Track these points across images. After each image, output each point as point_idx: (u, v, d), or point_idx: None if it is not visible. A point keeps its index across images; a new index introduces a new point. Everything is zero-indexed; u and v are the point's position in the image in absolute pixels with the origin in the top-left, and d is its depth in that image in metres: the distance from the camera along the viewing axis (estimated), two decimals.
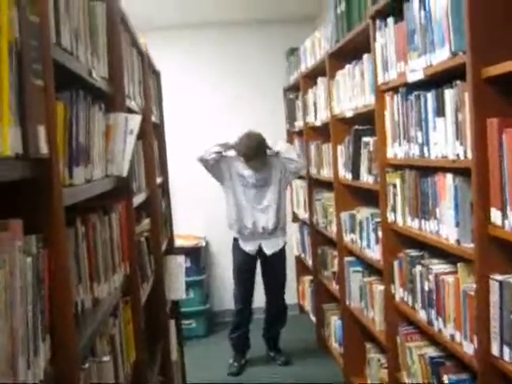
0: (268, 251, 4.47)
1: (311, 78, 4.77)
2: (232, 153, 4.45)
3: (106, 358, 1.62)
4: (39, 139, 1.06)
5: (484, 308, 1.97)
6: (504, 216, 1.82)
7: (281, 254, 4.56)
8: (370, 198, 3.43)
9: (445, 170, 2.30)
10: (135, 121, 2.14)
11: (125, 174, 2.08)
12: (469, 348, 2.15)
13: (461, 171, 2.15)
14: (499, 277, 1.90)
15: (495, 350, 1.93)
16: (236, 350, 4.63)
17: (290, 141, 5.83)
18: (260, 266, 4.60)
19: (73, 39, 1.51)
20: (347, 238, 3.89)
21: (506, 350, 1.88)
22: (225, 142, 4.39)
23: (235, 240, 4.54)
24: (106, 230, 1.86)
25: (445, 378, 2.39)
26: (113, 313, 1.89)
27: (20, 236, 0.99)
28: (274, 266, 4.54)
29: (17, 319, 0.95)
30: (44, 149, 1.09)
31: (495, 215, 1.88)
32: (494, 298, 1.92)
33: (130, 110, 2.38)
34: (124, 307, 2.07)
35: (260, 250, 4.49)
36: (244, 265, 4.51)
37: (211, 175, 4.50)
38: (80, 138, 1.55)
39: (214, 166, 4.42)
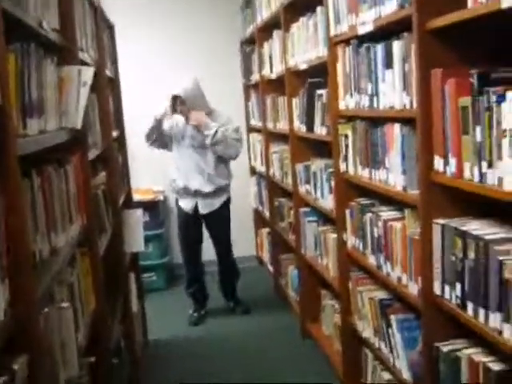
0: (203, 211, 4.48)
1: (267, 30, 4.76)
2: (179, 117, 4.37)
3: (65, 305, 1.67)
4: None
5: (427, 250, 2.09)
6: (446, 163, 1.92)
7: (219, 213, 4.53)
8: (324, 149, 3.51)
9: (393, 120, 2.39)
10: (88, 73, 2.15)
11: (79, 126, 2.09)
12: (414, 289, 2.28)
13: (408, 121, 2.23)
14: (441, 221, 2.01)
15: (437, 289, 2.06)
16: (195, 301, 4.72)
17: (247, 94, 5.85)
18: (204, 226, 4.63)
19: None
20: (302, 189, 3.98)
21: (446, 288, 2.00)
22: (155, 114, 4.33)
23: (176, 198, 4.63)
24: (61, 181, 1.89)
25: (392, 318, 2.53)
26: (70, 262, 1.94)
27: None
28: (213, 224, 4.57)
29: None
30: None
31: (438, 162, 1.97)
32: (437, 240, 2.04)
33: (83, 63, 2.37)
34: (82, 257, 2.12)
35: (196, 209, 4.49)
36: (184, 222, 4.56)
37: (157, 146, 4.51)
38: (32, 90, 1.57)
39: (163, 141, 4.44)
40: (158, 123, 4.31)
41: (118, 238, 3.27)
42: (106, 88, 3.23)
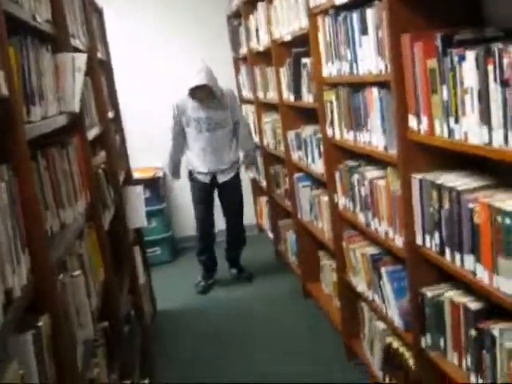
0: (220, 180, 4.70)
1: (251, 3, 4.86)
2: (182, 98, 4.53)
3: (77, 273, 1.84)
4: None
5: (408, 204, 2.24)
6: (419, 122, 2.07)
7: (234, 181, 4.77)
8: (313, 115, 3.64)
9: (372, 84, 2.52)
10: (81, 59, 2.28)
11: (77, 109, 2.24)
12: (399, 241, 2.45)
13: (385, 84, 2.37)
14: (419, 175, 2.16)
15: (419, 240, 2.22)
16: (205, 269, 4.90)
17: (237, 67, 5.96)
18: (217, 194, 4.83)
19: None
20: (295, 155, 4.13)
21: (427, 238, 2.17)
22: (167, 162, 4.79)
23: (190, 172, 4.76)
24: (64, 161, 2.04)
25: (382, 271, 2.70)
26: (79, 236, 2.10)
27: None
28: (228, 191, 4.78)
29: (0, 233, 1.15)
30: (4, 90, 1.26)
31: (412, 121, 2.12)
32: (416, 194, 2.19)
33: (76, 49, 2.51)
34: (89, 231, 2.28)
35: (214, 179, 4.69)
36: (200, 194, 4.74)
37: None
38: (33, 79, 1.71)
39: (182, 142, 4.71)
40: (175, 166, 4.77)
41: (121, 214, 3.43)
42: (99, 71, 3.35)
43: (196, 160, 4.64)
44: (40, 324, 1.32)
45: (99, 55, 3.53)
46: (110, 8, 4.46)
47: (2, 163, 1.25)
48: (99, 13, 4.10)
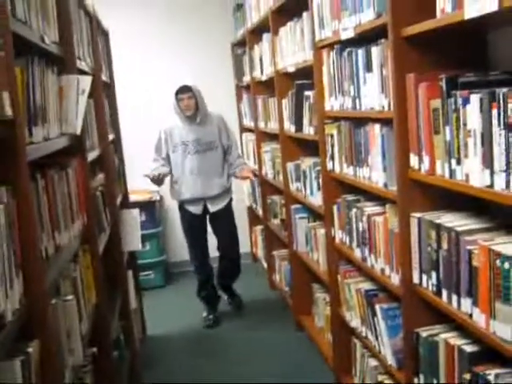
0: (212, 209, 4.57)
1: (257, 33, 4.91)
2: (171, 124, 4.49)
3: (70, 297, 1.82)
4: (4, 103, 1.23)
5: (406, 242, 2.23)
6: (420, 161, 2.07)
7: (226, 208, 4.66)
8: (313, 148, 3.65)
9: (375, 120, 2.53)
10: (86, 81, 2.29)
11: (78, 131, 2.23)
12: (395, 279, 2.43)
13: (387, 121, 2.38)
14: (418, 214, 2.16)
15: (416, 279, 2.21)
16: (208, 305, 4.74)
17: (239, 95, 5.99)
18: (209, 223, 4.70)
19: (26, 8, 1.65)
20: (293, 186, 4.13)
21: (424, 277, 2.15)
22: (156, 142, 4.53)
23: (181, 204, 4.62)
24: (63, 183, 2.03)
25: (377, 307, 2.68)
26: (73, 259, 2.08)
27: None
28: (221, 222, 4.66)
29: None
30: (9, 111, 1.26)
31: (414, 160, 2.12)
32: (414, 233, 2.19)
33: (81, 71, 2.52)
34: (84, 254, 2.26)
35: (205, 208, 4.58)
36: (193, 225, 4.61)
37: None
38: (37, 100, 1.71)
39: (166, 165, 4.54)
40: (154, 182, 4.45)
41: (116, 237, 3.41)
42: (102, 93, 3.36)
43: (184, 187, 4.49)
44: (30, 350, 1.30)
45: (103, 77, 3.55)
46: (115, 30, 4.49)
47: (1, 185, 1.24)
48: (106, 35, 4.13)
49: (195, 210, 4.56)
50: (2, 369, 1.21)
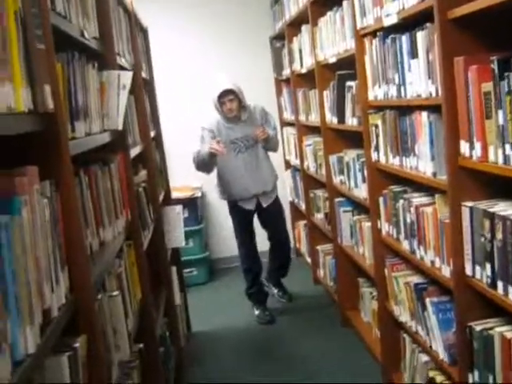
0: (265, 204, 4.54)
1: (295, 26, 4.85)
2: (214, 118, 4.40)
3: (115, 293, 1.81)
4: (46, 96, 1.21)
5: (458, 233, 2.15)
6: (471, 147, 1.98)
7: (276, 203, 4.64)
8: (356, 139, 3.57)
9: (421, 108, 2.45)
10: (127, 77, 2.28)
11: (120, 127, 2.23)
12: (446, 271, 2.35)
13: (434, 108, 2.30)
14: (470, 203, 2.08)
15: (468, 270, 2.13)
16: (258, 302, 4.68)
17: (279, 89, 5.94)
18: (258, 217, 4.66)
19: (65, 3, 1.64)
20: (336, 179, 4.06)
21: (477, 269, 2.07)
22: (201, 140, 4.33)
23: (233, 202, 4.54)
24: (106, 179, 2.02)
25: (427, 301, 2.60)
26: (118, 255, 2.07)
27: (37, 181, 1.15)
28: (273, 214, 4.61)
29: (40, 250, 1.12)
30: (50, 104, 1.24)
31: (464, 147, 2.04)
32: (466, 223, 2.10)
33: (121, 67, 2.51)
34: (128, 250, 2.25)
35: (258, 204, 4.53)
36: (245, 223, 4.58)
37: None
38: (78, 95, 1.70)
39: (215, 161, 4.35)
40: (210, 157, 4.23)
41: (159, 233, 3.41)
42: (142, 89, 3.36)
43: (237, 187, 4.41)
44: (76, 345, 1.28)
45: (143, 74, 3.55)
46: (154, 27, 4.49)
47: (45, 179, 1.22)
48: (144, 32, 4.14)
49: (250, 206, 4.51)
50: (49, 364, 1.20)
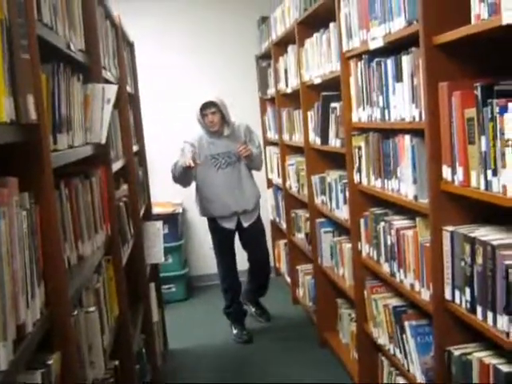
0: (245, 224, 4.50)
1: (282, 46, 4.88)
2: (197, 134, 4.39)
3: (92, 309, 1.78)
4: (29, 107, 1.19)
5: (438, 257, 2.16)
6: (453, 172, 2.00)
7: (258, 222, 4.60)
8: (339, 160, 3.59)
9: (404, 131, 2.47)
10: (112, 90, 2.27)
11: (103, 141, 2.21)
12: (426, 295, 2.35)
13: (417, 132, 2.32)
14: (451, 227, 2.08)
15: (448, 295, 2.13)
16: (236, 321, 4.63)
17: (263, 108, 5.96)
18: (239, 238, 4.62)
19: (52, 14, 1.62)
20: (318, 200, 4.07)
21: (457, 293, 2.07)
22: (181, 153, 4.28)
23: (212, 219, 4.50)
24: (87, 193, 2.00)
25: (406, 325, 2.59)
26: (96, 270, 2.04)
27: (16, 192, 1.13)
28: (254, 234, 4.56)
29: (17, 263, 1.10)
30: (33, 115, 1.22)
31: (446, 172, 2.05)
32: (447, 247, 2.11)
33: (106, 81, 2.50)
34: (106, 265, 2.22)
35: (238, 223, 4.50)
36: (225, 241, 4.52)
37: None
38: (62, 107, 1.68)
39: (190, 175, 4.33)
40: (185, 170, 4.19)
41: (139, 249, 3.38)
42: (127, 104, 3.35)
43: (218, 203, 4.37)
44: (50, 362, 1.25)
45: (128, 88, 3.53)
46: (140, 41, 4.50)
47: (25, 190, 1.20)
48: (130, 46, 4.13)
49: (229, 225, 4.46)
50: (22, 381, 1.16)
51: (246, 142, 4.42)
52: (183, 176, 4.29)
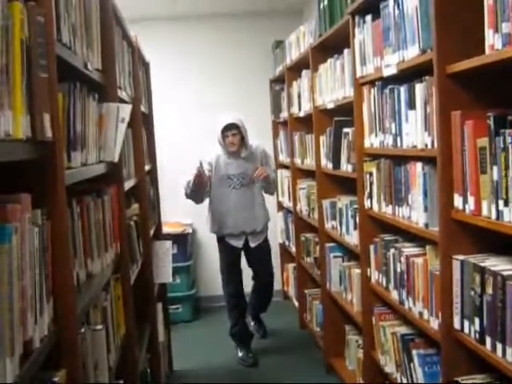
0: (253, 244, 4.57)
1: (296, 70, 4.92)
2: (215, 153, 4.47)
3: (99, 327, 1.78)
4: (45, 125, 1.21)
5: (447, 286, 2.14)
6: (465, 201, 1.99)
7: (265, 243, 4.66)
8: (350, 186, 3.59)
9: (416, 158, 2.47)
10: (126, 110, 2.29)
11: (116, 159, 2.22)
12: (434, 324, 2.33)
13: (429, 160, 2.32)
14: (461, 256, 2.07)
15: (457, 324, 2.11)
16: (241, 343, 4.62)
17: (276, 132, 5.99)
18: (246, 257, 4.68)
19: (71, 34, 1.65)
20: (328, 224, 4.06)
21: (466, 323, 2.05)
22: (192, 175, 4.24)
23: (221, 238, 4.58)
24: (98, 211, 2.01)
25: (414, 353, 2.57)
26: (105, 288, 2.05)
27: (29, 209, 1.14)
28: (261, 254, 4.62)
29: (26, 279, 1.10)
30: (49, 133, 1.24)
31: (458, 200, 2.05)
32: (456, 276, 2.10)
33: (121, 100, 2.52)
34: (115, 284, 2.23)
35: (246, 243, 4.57)
36: (233, 260, 4.56)
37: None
38: (77, 126, 1.70)
39: (203, 192, 4.41)
40: (195, 185, 4.25)
41: (147, 268, 3.38)
42: (140, 123, 3.38)
43: (228, 221, 4.46)
44: (56, 379, 1.25)
45: (142, 108, 3.57)
46: (156, 62, 4.55)
47: (37, 207, 1.21)
48: (146, 66, 4.18)
49: (237, 243, 4.54)
50: None
51: (263, 165, 4.51)
52: (194, 191, 4.33)
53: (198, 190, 4.32)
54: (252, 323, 4.95)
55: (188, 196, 4.42)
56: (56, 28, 1.48)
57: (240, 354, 4.56)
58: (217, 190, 4.46)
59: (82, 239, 1.79)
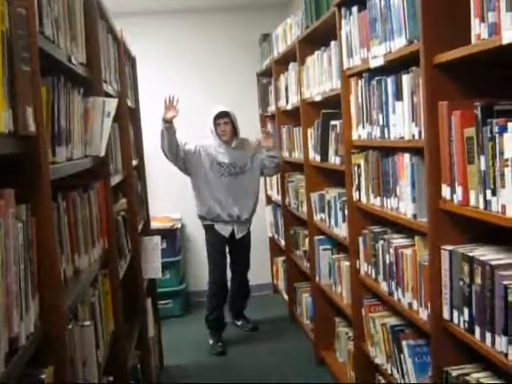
0: (238, 235, 4.66)
1: (283, 63, 4.90)
2: (208, 141, 4.59)
3: (87, 323, 1.76)
4: (28, 119, 1.19)
5: (436, 276, 2.14)
6: (453, 191, 1.99)
7: (248, 235, 4.78)
8: (338, 178, 3.59)
9: (404, 150, 2.47)
10: (112, 104, 2.27)
11: (102, 154, 2.20)
12: (424, 314, 2.33)
13: (417, 151, 2.32)
14: (449, 247, 2.07)
15: (446, 314, 2.11)
16: (214, 330, 4.74)
17: (264, 125, 5.97)
18: (229, 251, 4.79)
19: (54, 27, 1.63)
20: (317, 217, 4.06)
21: (455, 313, 2.06)
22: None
23: (209, 226, 4.66)
24: (85, 206, 1.99)
25: (403, 344, 2.57)
26: (93, 283, 2.03)
27: (13, 204, 1.12)
28: (241, 246, 4.75)
29: (11, 275, 1.09)
30: (32, 127, 1.22)
31: (445, 191, 2.05)
32: (445, 266, 2.10)
33: (107, 94, 2.50)
34: (103, 279, 2.21)
35: (232, 233, 4.65)
36: (218, 247, 4.66)
37: (179, 166, 4.60)
38: (61, 120, 1.68)
39: (180, 154, 4.52)
40: (167, 128, 4.34)
41: (136, 263, 3.36)
42: (127, 118, 3.35)
43: (216, 206, 4.55)
44: (43, 377, 1.24)
45: (128, 102, 3.54)
46: (142, 56, 4.52)
47: (22, 202, 1.20)
48: (132, 60, 4.14)
49: (224, 231, 4.62)
50: None
51: (253, 157, 4.64)
52: (167, 129, 4.36)
53: (170, 128, 4.37)
54: (239, 322, 5.03)
55: (163, 144, 4.43)
56: (38, 20, 1.46)
57: (210, 342, 4.68)
58: (208, 175, 4.54)
59: (69, 234, 1.78)
